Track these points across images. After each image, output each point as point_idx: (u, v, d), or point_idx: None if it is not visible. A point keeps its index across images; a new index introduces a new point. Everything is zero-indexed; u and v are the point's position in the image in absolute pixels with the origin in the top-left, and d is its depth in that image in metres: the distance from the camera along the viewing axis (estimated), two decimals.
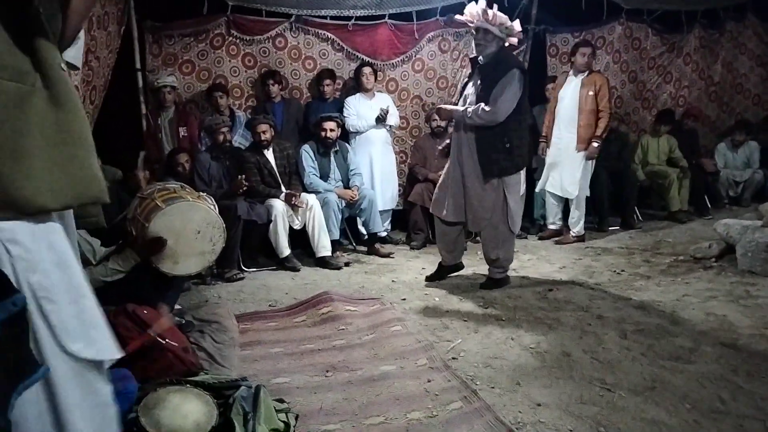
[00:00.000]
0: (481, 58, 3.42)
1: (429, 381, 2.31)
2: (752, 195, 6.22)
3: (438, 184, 3.73)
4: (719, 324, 2.86)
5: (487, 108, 3.29)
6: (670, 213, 5.72)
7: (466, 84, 3.60)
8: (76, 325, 1.08)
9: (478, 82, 3.41)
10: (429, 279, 3.84)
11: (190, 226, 2.61)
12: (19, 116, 0.99)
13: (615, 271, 3.97)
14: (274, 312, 3.34)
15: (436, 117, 5.17)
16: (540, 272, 4.03)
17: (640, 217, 5.73)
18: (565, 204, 5.15)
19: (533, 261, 4.40)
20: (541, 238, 5.20)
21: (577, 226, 5.03)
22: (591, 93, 4.79)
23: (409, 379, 2.34)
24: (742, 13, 6.69)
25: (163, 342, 2.22)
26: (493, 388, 2.24)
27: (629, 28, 6.25)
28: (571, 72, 5.03)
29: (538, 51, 6.05)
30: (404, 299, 3.47)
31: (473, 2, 3.37)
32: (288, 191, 4.49)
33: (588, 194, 5.05)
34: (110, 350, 1.15)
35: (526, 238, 5.23)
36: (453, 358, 2.55)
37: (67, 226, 1.15)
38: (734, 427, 1.91)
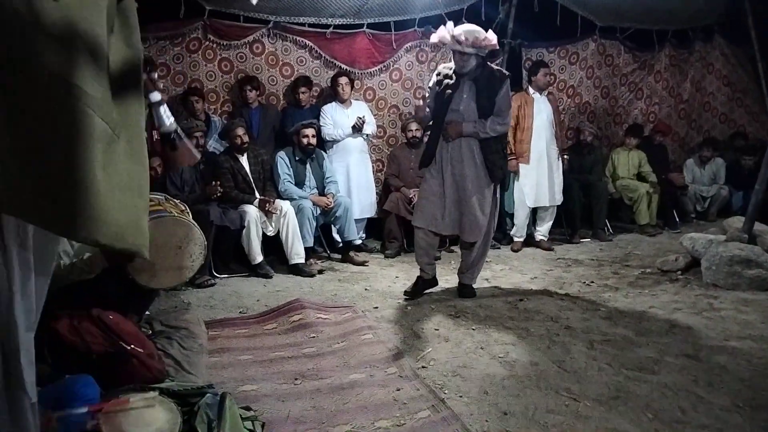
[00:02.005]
0: (464, 71, 3.39)
1: (398, 389, 2.31)
2: (717, 210, 6.39)
3: (420, 196, 3.64)
4: (683, 335, 2.93)
5: (499, 119, 3.41)
6: (639, 226, 5.85)
7: (446, 95, 3.44)
8: None
9: (471, 93, 3.40)
10: (409, 294, 3.65)
11: (171, 240, 2.60)
12: (103, 155, 1.06)
13: (584, 282, 4.03)
14: (245, 319, 3.31)
15: (412, 128, 5.21)
16: (512, 282, 4.07)
17: (611, 230, 5.84)
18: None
19: (505, 271, 4.44)
20: (513, 251, 5.26)
21: (547, 232, 5.35)
22: (554, 108, 5.30)
23: (378, 387, 2.34)
24: (710, 34, 6.90)
25: (128, 348, 2.18)
26: (461, 397, 2.26)
27: (602, 44, 6.40)
28: (531, 90, 5.24)
29: (513, 64, 6.15)
30: (376, 307, 3.47)
31: (442, 27, 3.37)
32: (262, 197, 4.47)
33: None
34: None
35: (499, 248, 5.28)
36: (423, 367, 2.56)
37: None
38: None
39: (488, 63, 3.49)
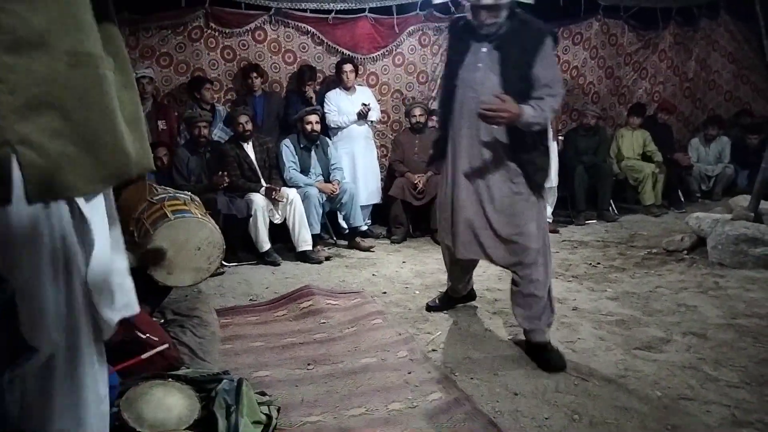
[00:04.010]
0: (485, 31, 2.35)
1: (409, 373, 2.35)
2: (723, 189, 6.38)
3: (439, 204, 2.77)
4: (690, 314, 2.95)
5: (552, 96, 2.28)
6: (645, 207, 5.85)
7: (454, 65, 2.47)
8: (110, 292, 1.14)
9: (491, 61, 2.33)
10: (432, 308, 3.11)
11: (192, 241, 2.68)
12: (114, 101, 1.09)
13: (591, 263, 4.05)
14: (255, 306, 3.35)
15: (416, 113, 5.19)
16: None
17: (616, 211, 5.84)
18: None
19: None
20: None
21: (550, 215, 5.28)
22: None
23: (390, 371, 2.38)
24: (716, 11, 6.84)
25: (144, 337, 2.22)
26: (472, 378, 2.29)
27: (606, 24, 6.35)
28: None
29: None
30: (385, 292, 3.51)
31: None
32: (268, 185, 4.49)
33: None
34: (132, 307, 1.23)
35: None
36: (433, 350, 2.59)
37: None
38: (702, 413, 1.99)
39: (517, 11, 2.37)
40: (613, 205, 5.88)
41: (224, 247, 2.81)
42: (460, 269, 2.88)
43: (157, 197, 2.84)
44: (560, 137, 5.50)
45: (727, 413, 1.98)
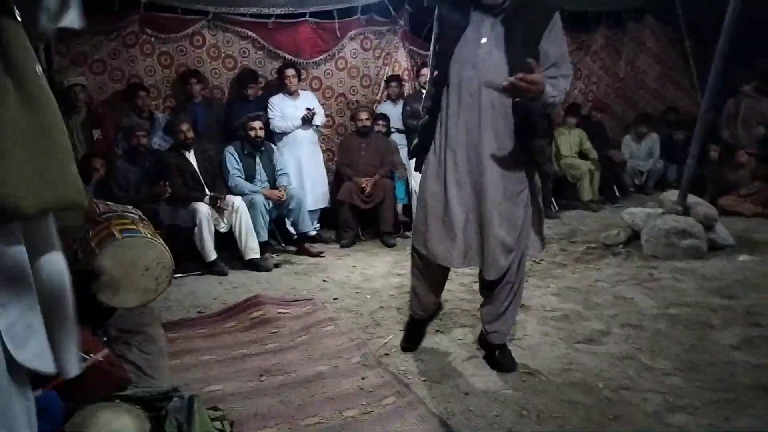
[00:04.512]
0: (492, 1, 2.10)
1: (363, 378, 2.37)
2: (654, 183, 6.74)
3: (418, 204, 2.39)
4: (627, 306, 3.11)
5: (564, 78, 2.12)
6: (583, 203, 6.11)
7: (449, 40, 2.16)
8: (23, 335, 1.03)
9: (496, 37, 2.10)
10: (409, 346, 2.66)
11: (140, 262, 2.62)
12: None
13: (534, 260, 4.18)
14: (204, 318, 3.29)
15: (362, 117, 5.21)
16: None
17: (557, 207, 6.06)
18: None
19: None
20: None
21: None
22: None
23: (344, 377, 2.39)
24: (642, 14, 7.21)
25: (87, 358, 2.15)
26: (424, 381, 2.34)
27: None
28: None
29: None
30: (336, 298, 3.51)
31: None
32: (212, 194, 4.40)
33: None
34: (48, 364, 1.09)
35: None
36: (385, 354, 2.62)
37: (43, 232, 1.10)
38: (640, 401, 2.10)
39: None
40: (554, 202, 6.10)
41: (174, 267, 2.77)
42: (437, 281, 2.47)
43: (104, 216, 2.75)
44: None
45: (662, 400, 2.11)
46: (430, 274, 2.41)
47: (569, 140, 6.33)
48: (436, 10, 2.22)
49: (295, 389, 2.30)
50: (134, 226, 2.73)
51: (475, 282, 3.62)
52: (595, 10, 6.80)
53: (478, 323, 2.93)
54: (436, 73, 2.21)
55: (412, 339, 2.66)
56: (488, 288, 2.36)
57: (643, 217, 4.27)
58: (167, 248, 2.77)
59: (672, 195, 4.43)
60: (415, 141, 2.37)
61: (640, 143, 6.87)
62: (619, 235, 4.43)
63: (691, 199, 4.29)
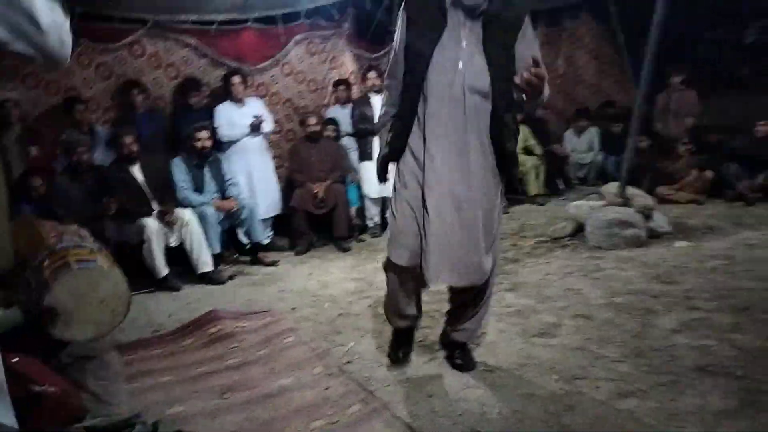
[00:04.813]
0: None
1: (327, 388, 2.38)
2: (596, 175, 7.03)
3: (393, 214, 2.25)
4: (576, 298, 3.25)
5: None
6: (530, 197, 6.31)
7: (424, 43, 2.06)
8: None
9: (475, 39, 2.05)
10: (398, 360, 2.56)
11: (96, 294, 2.55)
12: None
13: None
14: (160, 337, 3.22)
15: (311, 123, 5.20)
16: None
17: (506, 202, 6.23)
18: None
19: None
20: None
21: None
22: None
23: (308, 389, 2.40)
24: (578, 11, 7.49)
25: (40, 389, 2.07)
26: (388, 386, 2.37)
27: None
28: None
29: None
30: (294, 308, 3.51)
31: None
32: (161, 208, 4.30)
33: None
34: None
35: None
36: (348, 362, 2.64)
37: None
38: (592, 389, 2.21)
39: None
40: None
41: (131, 299, 2.72)
42: (415, 288, 2.37)
43: (62, 246, 2.67)
44: None
45: (613, 387, 2.22)
46: (408, 283, 2.32)
47: None
48: (402, 12, 2.12)
49: (260, 405, 2.30)
50: (92, 256, 2.66)
51: None
52: (534, 9, 7.01)
53: (437, 325, 3.00)
54: (409, 76, 2.10)
55: (400, 349, 2.56)
56: (463, 292, 2.32)
57: (587, 209, 4.46)
58: (125, 279, 2.71)
59: (612, 187, 4.64)
60: (384, 150, 2.24)
61: (581, 137, 7.14)
62: (565, 228, 4.60)
63: (630, 190, 4.51)
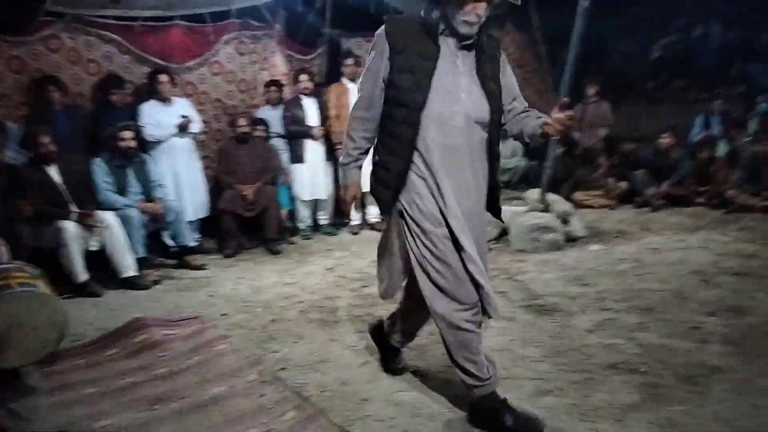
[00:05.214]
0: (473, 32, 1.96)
1: (261, 396, 2.39)
2: (519, 179, 7.37)
3: (446, 263, 2.00)
4: (501, 300, 3.41)
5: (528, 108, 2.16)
6: None
7: (420, 71, 1.95)
8: None
9: (470, 71, 2.01)
10: (395, 369, 2.55)
11: (31, 320, 2.48)
12: None
13: None
14: (81, 348, 3.07)
15: (240, 123, 5.12)
16: (354, 269, 4.32)
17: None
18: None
19: (347, 258, 4.68)
20: (353, 233, 5.54)
21: (378, 215, 5.56)
22: None
23: (241, 397, 2.39)
24: (502, 22, 7.81)
25: None
26: (322, 391, 2.42)
27: None
28: (345, 80, 5.43)
29: (334, 55, 6.36)
30: (225, 314, 3.46)
31: None
32: (81, 211, 4.10)
33: None
34: None
35: (336, 234, 5.53)
36: (282, 369, 2.66)
37: None
38: (515, 388, 2.35)
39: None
40: None
41: (66, 329, 2.67)
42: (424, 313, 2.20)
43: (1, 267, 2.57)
44: None
45: (534, 385, 2.38)
46: (424, 313, 2.19)
47: None
48: (381, 41, 1.99)
49: (192, 415, 2.27)
50: (33, 281, 2.60)
51: (365, 286, 3.79)
52: None
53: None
54: (404, 108, 1.97)
55: (395, 361, 2.54)
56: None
57: (511, 214, 4.68)
58: (63, 306, 2.66)
59: (534, 193, 4.90)
60: (382, 189, 2.08)
61: (505, 143, 7.46)
62: (491, 232, 4.81)
63: (551, 197, 4.79)
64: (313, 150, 5.45)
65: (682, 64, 8.85)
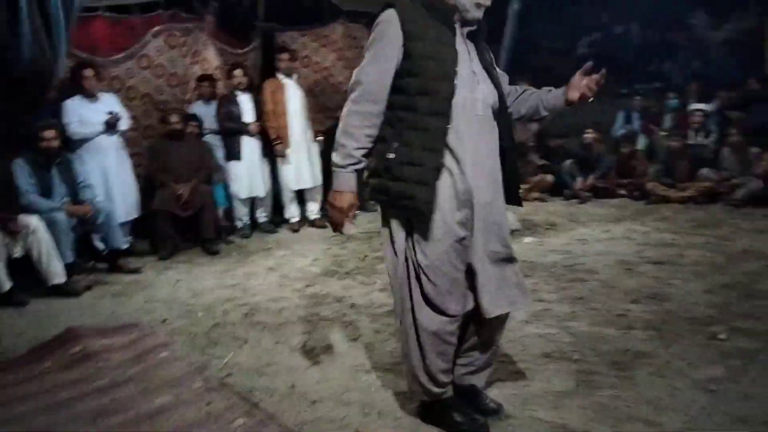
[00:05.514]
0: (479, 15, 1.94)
1: (208, 404, 2.36)
2: None
3: (445, 266, 1.89)
4: None
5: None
6: None
7: (444, 56, 1.85)
8: None
9: (474, 53, 1.97)
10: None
11: None
12: None
13: (359, 257, 4.48)
14: (11, 362, 2.91)
15: (172, 120, 4.97)
16: (297, 267, 4.31)
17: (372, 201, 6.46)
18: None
19: (288, 257, 4.66)
20: (293, 231, 5.52)
21: (318, 211, 5.65)
22: (304, 92, 5.52)
23: (188, 406, 2.35)
24: None
25: None
26: (271, 396, 2.42)
27: (349, 27, 6.89)
28: (280, 75, 5.37)
29: (268, 49, 6.26)
30: (165, 320, 3.37)
31: None
32: (2, 214, 3.85)
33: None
34: None
35: (277, 232, 5.49)
36: (228, 375, 2.63)
37: None
38: None
39: None
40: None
41: None
42: (444, 356, 2.00)
43: None
44: (319, 138, 5.83)
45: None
46: (441, 343, 1.97)
47: None
48: (395, 24, 1.86)
49: (138, 427, 2.21)
50: None
51: (309, 286, 3.80)
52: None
53: (314, 329, 3.10)
54: (429, 97, 1.84)
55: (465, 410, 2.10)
56: (487, 325, 2.07)
57: None
58: None
59: None
60: (421, 188, 1.83)
61: None
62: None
63: None
64: (250, 146, 5.36)
65: (604, 61, 9.34)
